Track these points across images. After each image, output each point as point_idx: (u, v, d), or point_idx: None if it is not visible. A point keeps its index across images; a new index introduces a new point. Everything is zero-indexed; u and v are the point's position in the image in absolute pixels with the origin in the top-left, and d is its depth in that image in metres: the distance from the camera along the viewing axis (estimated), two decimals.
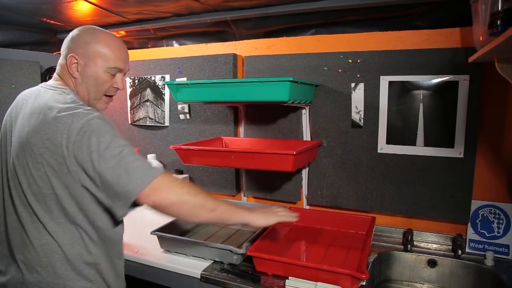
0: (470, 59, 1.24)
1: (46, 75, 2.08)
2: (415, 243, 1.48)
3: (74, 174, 0.91)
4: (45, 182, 0.92)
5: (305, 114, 1.63)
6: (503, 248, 1.36)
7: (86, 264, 0.97)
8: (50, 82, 1.08)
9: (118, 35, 2.06)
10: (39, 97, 1.01)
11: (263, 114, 1.73)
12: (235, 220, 1.07)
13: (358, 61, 1.51)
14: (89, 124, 0.91)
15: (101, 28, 1.08)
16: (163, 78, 1.95)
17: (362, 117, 1.53)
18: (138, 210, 1.76)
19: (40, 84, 1.08)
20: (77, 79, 1.04)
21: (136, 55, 2.10)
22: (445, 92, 1.39)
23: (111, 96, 1.12)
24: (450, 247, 1.43)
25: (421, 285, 1.41)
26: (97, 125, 0.92)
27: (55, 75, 1.09)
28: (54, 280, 0.95)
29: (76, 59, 1.02)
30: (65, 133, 0.90)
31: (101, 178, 0.90)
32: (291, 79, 1.21)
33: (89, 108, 0.97)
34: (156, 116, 1.99)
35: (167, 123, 1.97)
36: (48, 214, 0.94)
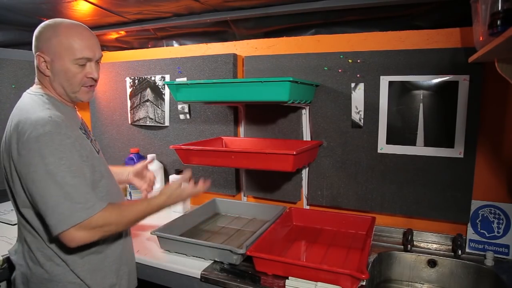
0: (470, 59, 1.24)
1: None
2: (415, 243, 1.48)
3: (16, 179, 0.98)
4: (12, 182, 1.01)
5: (305, 114, 1.63)
6: (503, 248, 1.36)
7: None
8: (32, 86, 1.09)
9: (118, 35, 2.07)
10: (18, 104, 1.06)
11: (263, 114, 1.73)
12: (156, 212, 1.11)
13: (358, 61, 1.51)
14: (37, 141, 0.92)
15: (62, 19, 1.05)
16: (163, 78, 1.95)
17: (362, 117, 1.53)
18: None
19: (27, 90, 1.10)
20: (50, 77, 1.04)
21: (136, 55, 2.10)
22: (445, 92, 1.39)
23: (90, 86, 1.09)
24: (450, 247, 1.43)
25: (421, 285, 1.41)
26: (43, 143, 0.92)
27: (35, 78, 1.09)
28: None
29: (43, 57, 1.02)
30: (15, 144, 0.95)
31: (32, 198, 0.95)
32: (291, 79, 1.21)
33: (48, 118, 0.95)
34: (156, 116, 1.99)
35: (167, 123, 1.97)
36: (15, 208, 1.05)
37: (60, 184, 0.91)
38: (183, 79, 1.88)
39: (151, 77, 1.99)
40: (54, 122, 0.95)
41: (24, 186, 0.96)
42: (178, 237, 1.37)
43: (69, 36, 1.01)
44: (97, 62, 1.08)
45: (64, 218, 0.91)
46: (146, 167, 1.46)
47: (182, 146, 1.48)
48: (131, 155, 1.99)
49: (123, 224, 1.03)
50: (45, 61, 1.02)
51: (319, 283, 1.10)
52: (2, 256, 1.32)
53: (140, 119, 2.04)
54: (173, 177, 1.83)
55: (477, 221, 1.40)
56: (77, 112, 1.16)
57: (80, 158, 0.98)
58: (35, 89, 1.07)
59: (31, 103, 1.02)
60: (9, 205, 1.85)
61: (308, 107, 1.62)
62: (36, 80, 1.08)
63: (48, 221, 0.92)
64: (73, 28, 1.03)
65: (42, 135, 0.92)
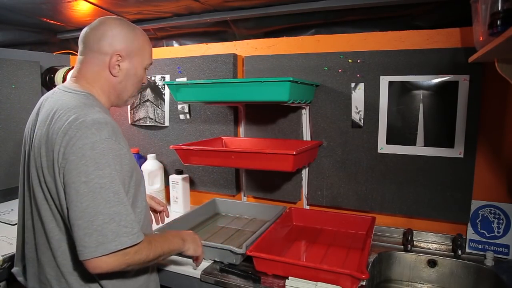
0: (470, 59, 1.24)
1: (46, 75, 2.07)
2: (415, 243, 1.48)
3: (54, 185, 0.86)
4: (44, 183, 0.90)
5: (305, 114, 1.63)
6: (503, 248, 1.36)
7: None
8: (67, 83, 0.99)
9: None
10: (54, 100, 0.95)
11: (263, 114, 1.73)
12: (171, 252, 1.04)
13: (358, 61, 1.51)
14: (92, 148, 0.81)
15: (124, 20, 1.02)
16: (163, 78, 1.95)
17: (362, 117, 1.53)
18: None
19: (58, 86, 1.01)
20: (117, 78, 0.99)
21: None
22: (445, 92, 1.39)
23: None
24: (450, 247, 1.43)
25: (421, 285, 1.41)
26: (100, 151, 0.82)
27: (75, 75, 1.00)
28: None
29: (120, 57, 0.97)
30: (60, 145, 0.83)
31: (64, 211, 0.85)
32: (291, 79, 1.21)
33: (104, 122, 0.85)
34: (156, 116, 1.99)
35: (167, 123, 1.97)
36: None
37: (111, 201, 0.81)
38: (183, 79, 1.88)
39: (151, 77, 1.99)
40: (111, 127, 0.86)
41: (62, 194, 0.84)
42: None
43: (145, 40, 1.03)
44: None
45: (105, 241, 0.79)
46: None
47: (182, 146, 1.48)
48: None
49: (150, 258, 0.91)
50: (118, 62, 0.97)
51: (319, 283, 1.10)
52: (2, 256, 1.31)
53: (140, 119, 2.05)
54: (173, 177, 1.83)
55: (477, 221, 1.40)
56: None
57: (128, 174, 0.90)
58: (77, 87, 0.96)
59: (80, 101, 0.91)
60: (9, 205, 1.86)
61: (308, 107, 1.62)
62: (74, 78, 0.99)
63: (85, 241, 0.79)
64: (145, 35, 1.04)
65: (99, 142, 0.82)
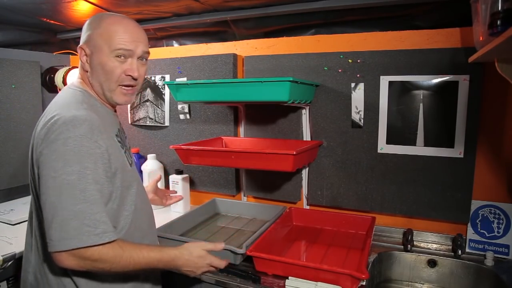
0: (470, 59, 1.24)
1: (46, 75, 2.07)
2: (415, 243, 1.47)
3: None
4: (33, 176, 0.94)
5: (305, 114, 1.63)
6: (503, 248, 1.36)
7: None
8: (74, 81, 1.02)
9: None
10: (56, 97, 0.99)
11: (263, 114, 1.73)
12: (163, 267, 0.97)
13: (358, 61, 1.51)
14: (64, 144, 0.82)
15: (111, 13, 0.98)
16: (163, 78, 1.95)
17: (362, 117, 1.53)
18: None
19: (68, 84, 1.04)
20: (89, 72, 0.97)
21: None
22: (445, 92, 1.39)
23: (128, 86, 0.98)
24: (450, 247, 1.43)
25: (421, 285, 1.41)
26: (71, 148, 0.83)
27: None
28: None
29: (84, 50, 0.95)
30: (41, 139, 0.86)
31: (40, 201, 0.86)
32: (291, 79, 1.21)
33: (82, 119, 0.86)
34: (156, 116, 1.99)
35: (167, 123, 1.97)
36: None
37: (76, 199, 0.81)
38: (183, 79, 1.88)
39: (151, 77, 1.99)
40: (89, 125, 0.86)
41: (38, 187, 0.87)
42: (178, 237, 1.37)
43: (111, 26, 0.93)
44: (141, 59, 0.99)
45: (66, 237, 0.81)
46: (156, 183, 1.39)
47: (182, 146, 1.48)
48: None
49: (119, 266, 0.87)
50: (85, 54, 0.95)
51: (319, 283, 1.10)
52: (2, 256, 1.32)
53: (140, 119, 2.05)
54: (173, 177, 1.83)
55: (477, 221, 1.40)
56: (117, 116, 1.07)
57: (105, 173, 0.87)
58: (76, 83, 1.00)
59: (69, 98, 0.94)
60: (9, 205, 1.86)
61: (308, 107, 1.62)
62: (78, 74, 1.02)
63: (50, 234, 0.82)
64: (117, 20, 0.95)
65: (72, 138, 0.83)
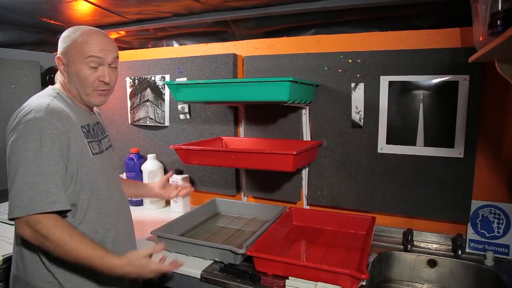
0: (470, 59, 1.24)
1: (46, 75, 2.08)
2: (415, 243, 1.48)
3: None
4: None
5: (305, 114, 1.63)
6: (503, 248, 1.36)
7: None
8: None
9: (118, 35, 2.07)
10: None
11: (263, 114, 1.73)
12: (106, 270, 0.98)
13: (358, 61, 1.51)
14: (25, 125, 0.95)
15: (85, 26, 1.09)
16: (163, 78, 1.95)
17: (362, 117, 1.53)
18: (137, 210, 1.76)
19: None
20: (66, 78, 1.08)
21: (136, 55, 2.10)
22: (445, 92, 1.39)
23: (103, 90, 1.10)
24: (450, 247, 1.43)
25: (421, 285, 1.41)
26: (30, 128, 0.94)
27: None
28: None
29: (61, 60, 1.07)
30: (9, 129, 0.99)
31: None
32: (291, 79, 1.21)
33: (45, 105, 0.98)
34: (156, 116, 1.99)
35: (167, 123, 1.97)
36: None
37: (32, 172, 0.92)
38: (183, 79, 1.88)
39: (151, 77, 1.99)
40: (49, 110, 0.97)
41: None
42: (178, 237, 1.37)
43: (82, 38, 1.04)
44: (111, 66, 1.10)
45: (20, 206, 0.91)
46: (168, 179, 1.55)
47: (182, 146, 1.48)
48: (131, 155, 1.99)
49: (62, 251, 0.94)
50: (63, 63, 1.07)
51: (319, 283, 1.10)
52: (2, 256, 1.31)
53: (140, 119, 2.05)
54: (173, 177, 1.83)
55: (477, 221, 1.40)
56: (93, 115, 1.18)
57: (60, 153, 0.97)
58: (54, 86, 1.12)
59: (42, 93, 1.07)
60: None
61: (308, 107, 1.62)
62: (55, 80, 1.13)
63: (11, 203, 0.93)
64: (88, 32, 1.06)
65: (32, 120, 0.95)
